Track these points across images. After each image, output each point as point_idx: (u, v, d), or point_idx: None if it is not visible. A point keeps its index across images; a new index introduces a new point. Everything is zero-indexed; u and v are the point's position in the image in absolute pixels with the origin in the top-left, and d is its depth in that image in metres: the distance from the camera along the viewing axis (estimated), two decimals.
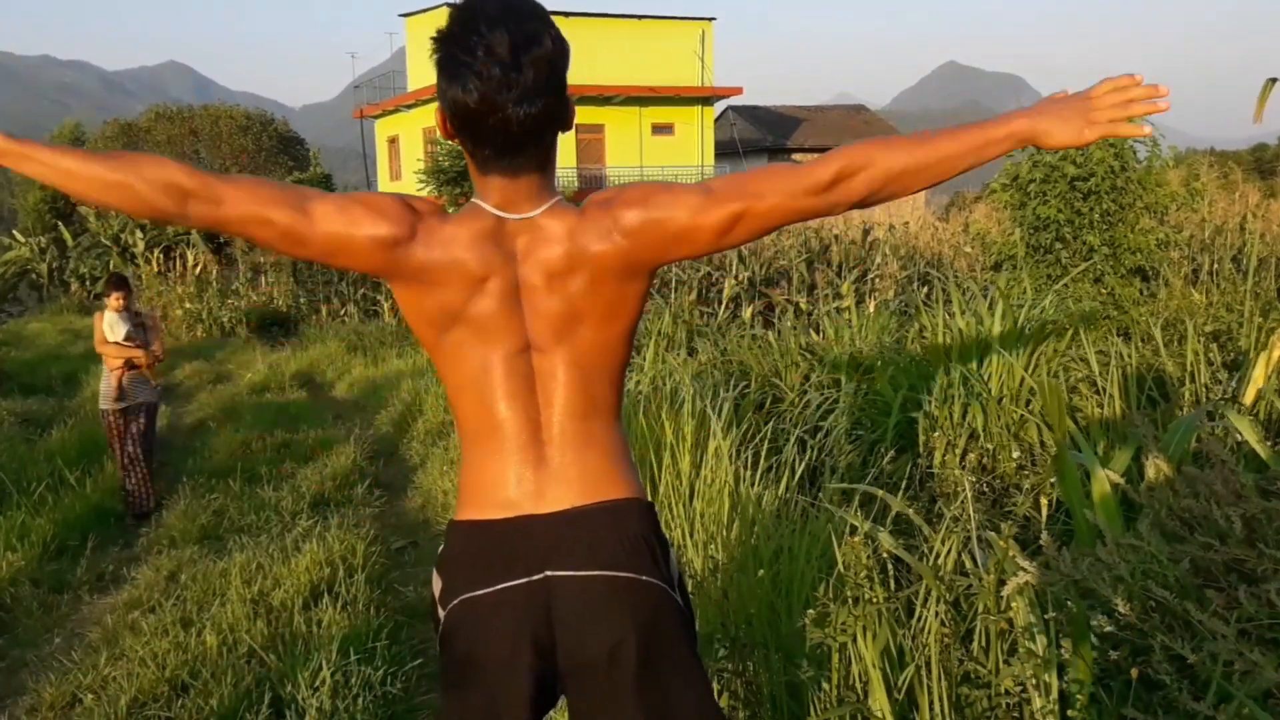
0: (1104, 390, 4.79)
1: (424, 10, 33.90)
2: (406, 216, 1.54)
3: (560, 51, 1.48)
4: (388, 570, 4.89)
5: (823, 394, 5.42)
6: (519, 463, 1.61)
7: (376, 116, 39.18)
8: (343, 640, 3.74)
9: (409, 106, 35.28)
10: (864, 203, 1.56)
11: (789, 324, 7.19)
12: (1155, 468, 2.95)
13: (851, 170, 1.53)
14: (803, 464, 4.34)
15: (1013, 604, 2.33)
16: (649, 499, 1.70)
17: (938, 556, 2.83)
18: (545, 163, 1.56)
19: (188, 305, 16.65)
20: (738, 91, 37.19)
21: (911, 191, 1.57)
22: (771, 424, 4.78)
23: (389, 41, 40.71)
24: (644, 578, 1.56)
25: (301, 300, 16.87)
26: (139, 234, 22.04)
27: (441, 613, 1.60)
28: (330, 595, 4.24)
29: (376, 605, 4.28)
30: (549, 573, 1.54)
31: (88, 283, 24.64)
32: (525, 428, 1.61)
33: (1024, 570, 2.26)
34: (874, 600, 2.55)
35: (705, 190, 1.57)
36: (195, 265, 18.08)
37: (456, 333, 1.59)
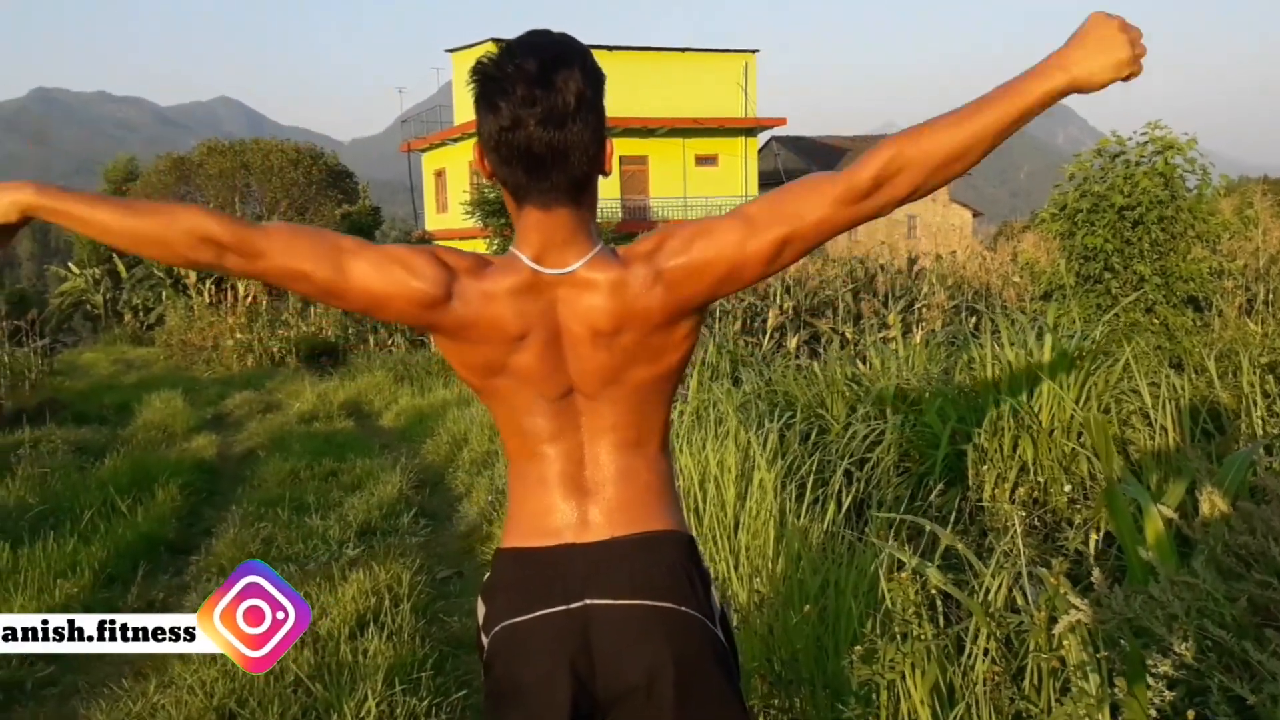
0: (1156, 422, 4.71)
1: (470, 46, 34.44)
2: (443, 277, 1.54)
3: (592, 80, 1.48)
4: (433, 600, 4.91)
5: (869, 425, 5.38)
6: (563, 493, 1.62)
7: (423, 150, 39.80)
8: (388, 670, 3.75)
9: (455, 140, 35.77)
10: (909, 199, 1.52)
11: (834, 354, 7.15)
12: (1210, 503, 2.88)
13: (892, 171, 1.48)
14: (849, 496, 4.30)
15: (1065, 642, 2.28)
16: (691, 532, 1.70)
17: (988, 592, 2.79)
18: (579, 197, 1.54)
19: (239, 335, 16.95)
20: (781, 122, 37.27)
21: (955, 176, 1.52)
22: (817, 455, 4.75)
23: (436, 77, 41.46)
24: (683, 608, 1.57)
25: (349, 330, 17.09)
26: None
27: (485, 639, 1.62)
28: (376, 625, 4.26)
29: (422, 635, 4.29)
30: (588, 600, 1.55)
31: (141, 314, 25.16)
32: (570, 460, 1.63)
33: (1076, 608, 2.22)
34: (922, 637, 2.52)
35: (745, 221, 1.54)
36: (246, 296, 18.40)
37: (499, 380, 1.61)
